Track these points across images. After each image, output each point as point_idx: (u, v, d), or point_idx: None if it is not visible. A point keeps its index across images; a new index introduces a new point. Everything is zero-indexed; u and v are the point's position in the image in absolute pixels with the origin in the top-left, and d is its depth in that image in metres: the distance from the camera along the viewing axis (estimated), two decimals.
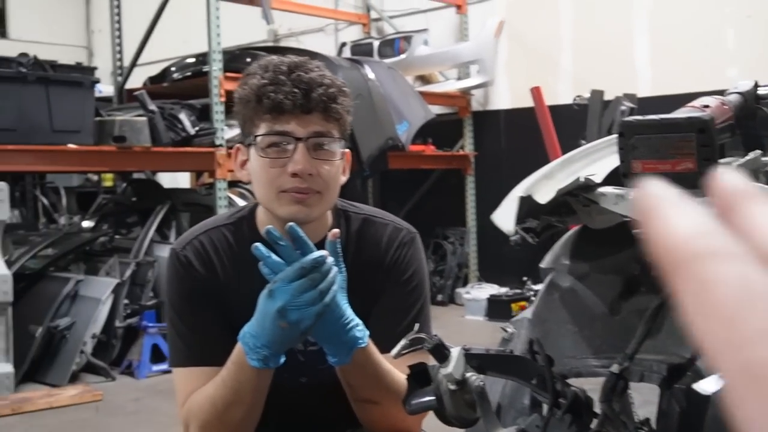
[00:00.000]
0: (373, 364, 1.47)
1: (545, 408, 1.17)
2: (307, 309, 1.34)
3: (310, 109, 1.49)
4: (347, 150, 1.60)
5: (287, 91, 1.47)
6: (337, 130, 1.54)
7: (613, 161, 1.08)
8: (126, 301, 5.02)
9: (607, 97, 5.37)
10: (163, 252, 5.25)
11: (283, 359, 1.44)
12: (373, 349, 1.47)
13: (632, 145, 1.01)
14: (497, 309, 6.36)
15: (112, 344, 4.96)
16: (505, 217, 1.09)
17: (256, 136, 1.51)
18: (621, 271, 1.17)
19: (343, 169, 1.60)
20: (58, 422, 4.02)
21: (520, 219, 1.12)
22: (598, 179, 1.07)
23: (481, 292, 6.80)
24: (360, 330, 1.44)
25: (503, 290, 6.70)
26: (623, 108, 4.91)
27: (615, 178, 1.05)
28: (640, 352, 1.07)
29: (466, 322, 6.47)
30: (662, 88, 6.17)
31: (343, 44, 7.81)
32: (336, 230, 1.38)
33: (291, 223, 1.36)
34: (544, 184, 1.10)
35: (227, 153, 5.37)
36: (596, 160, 1.14)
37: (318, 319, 1.34)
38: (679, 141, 0.98)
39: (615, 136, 1.06)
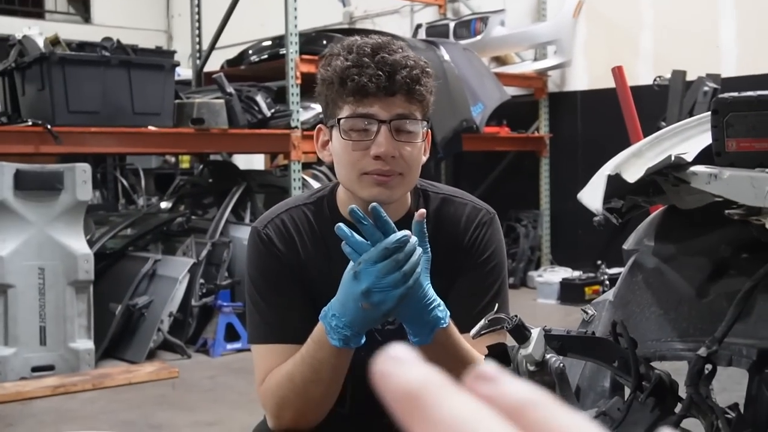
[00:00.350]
0: (454, 344, 1.46)
1: (627, 391, 1.14)
2: (391, 291, 1.34)
3: (394, 91, 1.49)
4: (428, 129, 1.59)
5: (371, 74, 1.47)
6: (419, 111, 1.53)
7: (705, 140, 1.04)
8: (202, 281, 5.10)
9: (689, 77, 5.23)
10: (239, 233, 5.33)
11: (363, 339, 1.44)
12: (454, 329, 1.46)
13: (727, 123, 0.97)
14: (570, 292, 6.29)
15: (188, 323, 5.06)
16: (593, 195, 1.06)
17: (339, 119, 1.52)
18: (710, 253, 1.14)
19: (424, 149, 1.59)
20: (136, 397, 4.13)
21: (606, 198, 1.09)
22: (689, 158, 1.04)
23: (553, 275, 6.73)
24: (441, 310, 1.43)
25: (576, 274, 6.61)
26: (706, 89, 4.78)
27: (707, 157, 1.02)
28: (729, 336, 1.04)
29: (538, 305, 6.41)
30: (748, 67, 5.98)
31: (419, 26, 7.77)
32: (422, 210, 1.37)
33: (374, 204, 1.35)
34: (633, 163, 1.07)
35: (302, 135, 5.41)
36: (687, 138, 1.10)
37: (401, 301, 1.34)
38: None
39: (707, 114, 1.02)
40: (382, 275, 1.33)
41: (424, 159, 1.60)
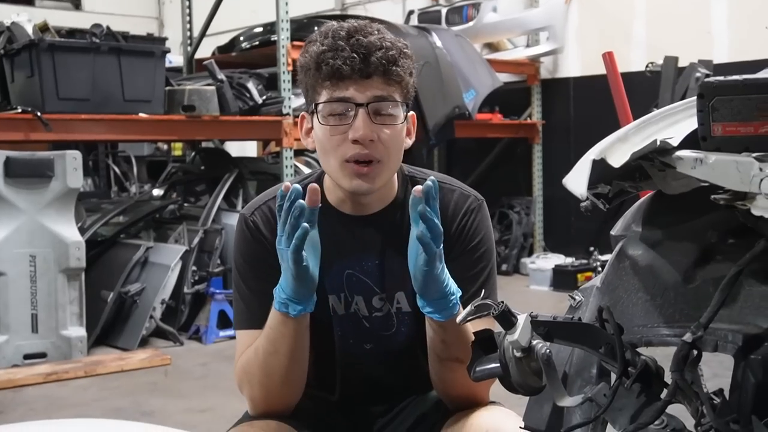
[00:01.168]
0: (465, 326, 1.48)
1: (613, 377, 1.14)
2: (284, 253, 1.39)
3: (369, 73, 1.48)
4: (412, 113, 1.59)
5: (345, 56, 1.46)
6: (399, 93, 1.52)
7: (691, 124, 1.04)
8: (194, 268, 5.10)
9: (681, 63, 5.23)
10: (231, 220, 5.33)
11: (307, 310, 1.46)
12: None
13: (713, 107, 0.97)
14: (562, 279, 6.31)
15: (180, 310, 5.07)
16: (577, 180, 1.05)
17: (316, 104, 1.51)
18: (696, 238, 1.13)
19: (408, 132, 1.59)
20: (128, 385, 4.13)
21: (592, 184, 1.08)
22: (675, 142, 1.03)
23: (546, 262, 6.74)
24: (454, 284, 1.46)
25: (569, 260, 6.63)
26: (698, 75, 4.78)
27: (693, 141, 1.02)
28: (715, 322, 1.04)
29: (531, 292, 6.42)
30: (740, 54, 5.97)
31: (411, 12, 7.74)
32: (419, 187, 1.37)
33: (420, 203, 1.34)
34: (618, 148, 1.07)
35: (294, 122, 5.39)
36: (673, 123, 1.10)
37: (298, 266, 1.38)
38: (763, 103, 0.93)
39: (694, 98, 1.02)
40: (279, 235, 1.39)
41: (409, 143, 1.59)
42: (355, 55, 1.46)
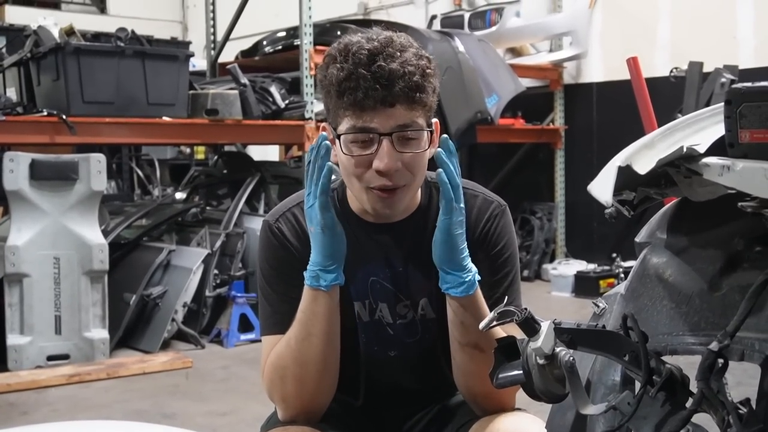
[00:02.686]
0: (481, 307, 1.53)
1: (637, 385, 1.13)
2: (311, 209, 1.49)
3: (393, 102, 1.46)
4: (435, 120, 1.57)
5: (367, 87, 1.43)
6: (422, 116, 1.50)
7: (718, 131, 1.03)
8: (216, 271, 5.12)
9: (707, 68, 5.18)
10: (252, 224, 5.34)
11: (338, 279, 1.51)
12: (480, 298, 1.53)
13: (740, 114, 0.96)
14: (584, 285, 6.27)
15: (202, 313, 5.09)
16: (603, 187, 1.04)
17: (339, 134, 1.50)
18: (723, 245, 1.12)
19: (432, 141, 1.58)
20: (150, 387, 4.15)
21: (617, 190, 1.08)
22: (701, 149, 1.02)
23: (568, 268, 6.70)
24: (471, 263, 1.52)
25: (591, 267, 6.59)
26: (723, 80, 4.74)
27: (720, 148, 1.00)
28: (742, 330, 1.02)
29: (553, 298, 6.39)
30: (766, 58, 5.92)
31: (434, 17, 7.74)
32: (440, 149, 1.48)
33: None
34: (644, 154, 1.06)
35: (317, 126, 5.40)
36: (700, 129, 1.09)
37: (324, 215, 1.48)
38: None
39: (720, 104, 1.01)
40: (306, 196, 1.50)
41: (433, 151, 1.59)
42: (378, 87, 1.43)
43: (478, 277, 1.51)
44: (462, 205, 1.48)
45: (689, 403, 1.08)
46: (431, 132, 1.54)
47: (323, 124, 1.59)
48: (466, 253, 1.50)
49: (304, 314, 1.52)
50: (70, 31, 4.89)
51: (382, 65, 1.44)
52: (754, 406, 1.04)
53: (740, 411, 1.04)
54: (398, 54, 1.46)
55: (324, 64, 1.52)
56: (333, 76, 1.47)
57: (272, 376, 1.57)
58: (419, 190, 1.63)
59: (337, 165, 1.52)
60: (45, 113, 4.61)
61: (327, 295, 1.50)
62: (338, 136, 1.50)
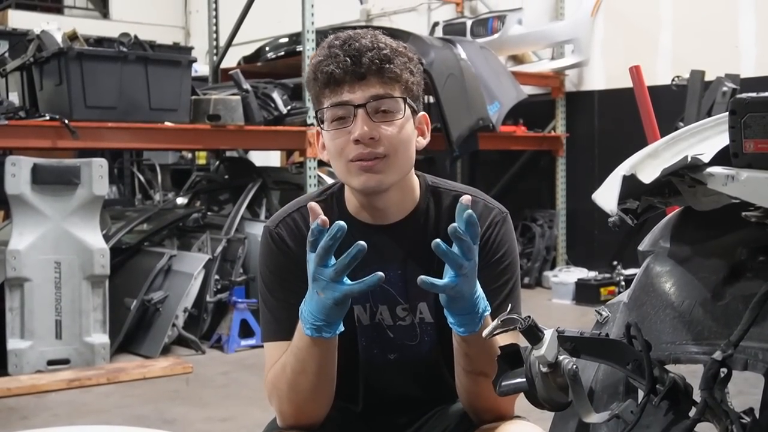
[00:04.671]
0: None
1: (641, 394, 1.13)
2: (331, 284, 1.36)
3: (363, 74, 1.51)
4: (423, 113, 1.60)
5: (339, 62, 1.50)
6: (398, 90, 1.54)
7: (722, 140, 1.03)
8: (217, 277, 5.12)
9: (708, 77, 5.18)
10: (254, 229, 5.34)
11: (339, 329, 1.46)
12: (489, 321, 1.46)
13: (744, 124, 0.96)
14: (585, 293, 6.27)
15: (202, 318, 5.08)
16: (608, 196, 1.05)
17: (317, 110, 1.56)
18: (726, 255, 1.12)
19: (422, 132, 1.60)
20: (150, 392, 4.14)
21: (622, 199, 1.08)
22: (705, 159, 1.02)
23: (569, 275, 6.70)
24: (484, 299, 1.45)
25: (592, 274, 6.59)
26: (725, 89, 4.74)
27: (724, 158, 1.01)
28: (745, 340, 1.03)
29: (553, 305, 6.39)
30: None
31: (436, 24, 7.76)
32: (467, 196, 1.38)
33: (468, 211, 1.33)
34: (648, 163, 1.06)
35: (317, 132, 5.40)
36: (704, 139, 1.09)
37: (344, 296, 1.37)
38: None
39: (724, 114, 1.01)
40: (317, 265, 1.36)
41: (423, 142, 1.61)
42: (348, 59, 1.50)
43: (488, 310, 1.45)
44: (473, 264, 1.38)
45: (692, 413, 1.08)
46: (413, 110, 1.57)
47: (316, 129, 1.62)
48: (479, 297, 1.43)
49: (301, 352, 1.48)
50: (73, 36, 4.90)
51: (352, 43, 1.52)
52: (757, 416, 1.04)
53: (743, 420, 1.04)
54: (369, 36, 1.54)
55: (309, 65, 1.60)
56: (312, 64, 1.56)
57: (270, 392, 1.58)
58: (416, 190, 1.63)
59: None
60: (47, 118, 4.62)
61: (325, 341, 1.47)
62: (317, 115, 1.56)
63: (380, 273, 1.35)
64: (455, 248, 1.35)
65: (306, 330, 1.45)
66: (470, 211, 1.35)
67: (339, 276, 1.36)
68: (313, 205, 1.39)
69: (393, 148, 1.52)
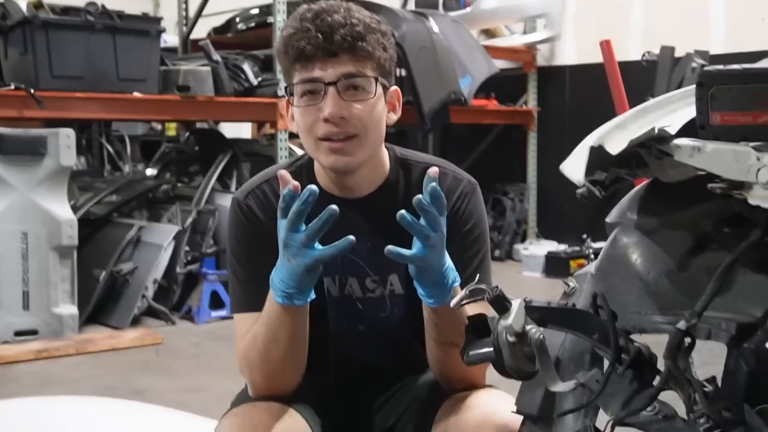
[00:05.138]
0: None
1: (606, 363, 1.15)
2: (302, 249, 1.37)
3: (335, 51, 1.49)
4: (395, 87, 1.59)
5: (310, 37, 1.48)
6: (370, 68, 1.52)
7: (689, 113, 1.04)
8: (187, 248, 5.10)
9: (678, 53, 5.22)
10: (224, 201, 5.32)
11: (310, 297, 1.46)
12: (458, 291, 1.47)
13: (711, 96, 0.97)
14: (555, 266, 6.32)
15: (172, 290, 5.07)
16: (575, 166, 1.05)
17: (287, 86, 1.55)
18: (692, 227, 1.13)
19: (393, 107, 1.60)
20: (119, 363, 4.13)
21: (589, 170, 1.09)
22: (672, 130, 1.03)
23: (539, 248, 6.76)
24: (453, 270, 1.46)
25: (562, 247, 6.65)
26: (694, 65, 4.79)
27: (691, 129, 1.02)
28: (709, 310, 1.04)
29: (524, 278, 6.44)
30: (737, 44, 5.97)
31: None
32: (435, 168, 1.38)
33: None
34: (616, 135, 1.07)
35: (287, 103, 5.37)
36: (672, 111, 1.10)
37: (317, 261, 1.37)
38: (763, 92, 0.93)
39: (692, 86, 1.02)
40: (288, 231, 1.36)
41: (393, 117, 1.61)
42: (320, 35, 1.48)
43: (457, 281, 1.47)
44: (439, 235, 1.39)
45: (656, 381, 1.10)
46: (386, 90, 1.55)
47: (286, 99, 1.61)
48: (448, 268, 1.44)
49: (272, 321, 1.49)
50: (38, 5, 4.81)
51: (325, 18, 1.49)
52: (719, 384, 1.06)
53: (706, 389, 1.06)
54: (342, 10, 1.51)
55: (279, 36, 1.57)
56: (283, 36, 1.53)
57: (241, 364, 1.58)
58: (386, 162, 1.63)
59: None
60: (12, 87, 4.55)
61: (297, 308, 1.47)
62: (287, 90, 1.54)
63: (351, 237, 1.35)
64: (422, 220, 1.36)
65: (277, 298, 1.45)
66: (434, 184, 1.35)
67: (311, 241, 1.36)
68: (283, 172, 1.39)
69: (363, 127, 1.51)
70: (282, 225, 1.37)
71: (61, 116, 5.16)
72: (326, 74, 1.49)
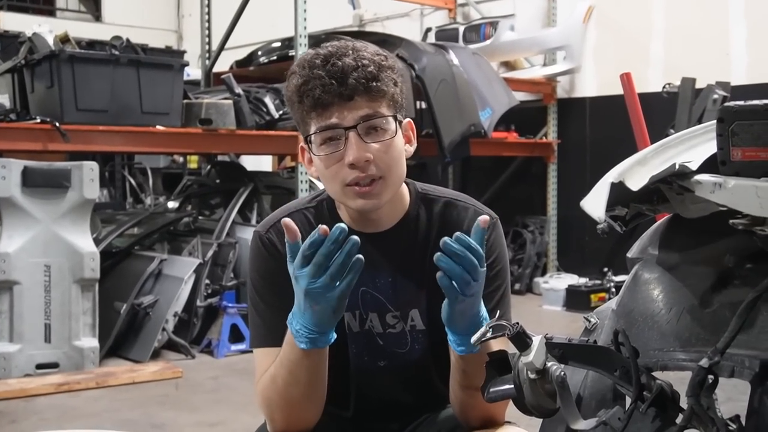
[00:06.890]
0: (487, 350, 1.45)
1: (628, 401, 1.13)
2: (326, 293, 1.34)
3: (350, 95, 1.47)
4: (408, 120, 1.59)
5: (323, 84, 1.46)
6: (386, 106, 1.51)
7: (710, 148, 1.03)
8: (207, 281, 5.11)
9: (699, 85, 5.21)
10: (245, 234, 5.33)
11: (333, 338, 1.44)
12: None
13: (732, 132, 0.96)
14: (576, 299, 6.27)
15: (193, 323, 5.07)
16: (596, 203, 1.05)
17: (306, 137, 1.52)
18: (714, 262, 1.12)
19: (408, 139, 1.59)
20: (140, 397, 4.13)
21: (610, 206, 1.08)
22: (693, 166, 1.03)
23: (559, 282, 6.71)
24: (487, 319, 1.43)
25: (582, 281, 6.60)
26: (715, 96, 4.77)
27: (712, 165, 1.01)
28: (732, 347, 1.03)
29: (544, 312, 6.39)
30: (759, 76, 5.95)
31: (428, 29, 7.77)
32: (485, 217, 1.36)
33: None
34: (637, 171, 1.06)
35: (301, 149, 5.40)
36: (692, 146, 1.09)
37: (342, 300, 1.35)
38: None
39: (713, 122, 1.02)
40: (311, 278, 1.33)
41: (410, 150, 1.59)
42: (334, 81, 1.46)
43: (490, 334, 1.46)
44: (477, 284, 1.36)
45: (679, 419, 1.08)
46: (400, 122, 1.55)
47: (301, 145, 1.60)
48: (481, 317, 1.41)
49: (292, 364, 1.47)
50: (64, 39, 4.89)
51: (335, 62, 1.47)
52: (743, 423, 1.04)
53: (730, 427, 1.04)
54: (351, 52, 1.49)
55: (287, 82, 1.54)
56: (293, 85, 1.51)
57: (260, 401, 1.57)
58: (405, 197, 1.63)
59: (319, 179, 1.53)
60: (38, 120, 4.61)
61: (319, 351, 1.46)
62: (308, 142, 1.52)
63: (360, 256, 1.32)
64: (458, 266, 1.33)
65: (300, 344, 1.43)
66: (482, 233, 1.33)
67: (334, 280, 1.33)
68: (287, 220, 1.36)
69: (387, 168, 1.51)
70: (304, 273, 1.34)
71: (85, 149, 5.22)
72: (345, 120, 1.48)
